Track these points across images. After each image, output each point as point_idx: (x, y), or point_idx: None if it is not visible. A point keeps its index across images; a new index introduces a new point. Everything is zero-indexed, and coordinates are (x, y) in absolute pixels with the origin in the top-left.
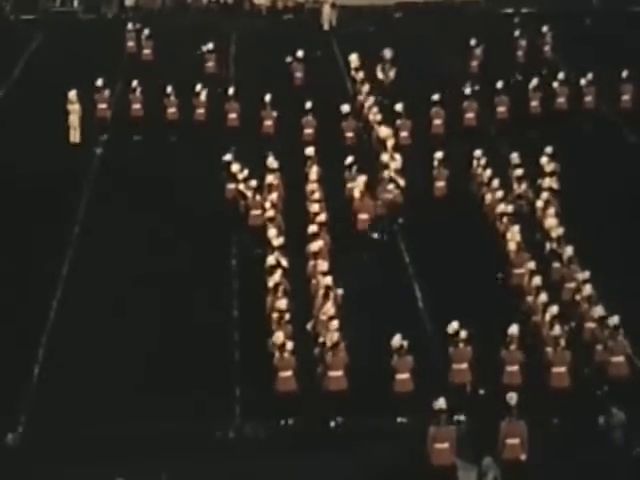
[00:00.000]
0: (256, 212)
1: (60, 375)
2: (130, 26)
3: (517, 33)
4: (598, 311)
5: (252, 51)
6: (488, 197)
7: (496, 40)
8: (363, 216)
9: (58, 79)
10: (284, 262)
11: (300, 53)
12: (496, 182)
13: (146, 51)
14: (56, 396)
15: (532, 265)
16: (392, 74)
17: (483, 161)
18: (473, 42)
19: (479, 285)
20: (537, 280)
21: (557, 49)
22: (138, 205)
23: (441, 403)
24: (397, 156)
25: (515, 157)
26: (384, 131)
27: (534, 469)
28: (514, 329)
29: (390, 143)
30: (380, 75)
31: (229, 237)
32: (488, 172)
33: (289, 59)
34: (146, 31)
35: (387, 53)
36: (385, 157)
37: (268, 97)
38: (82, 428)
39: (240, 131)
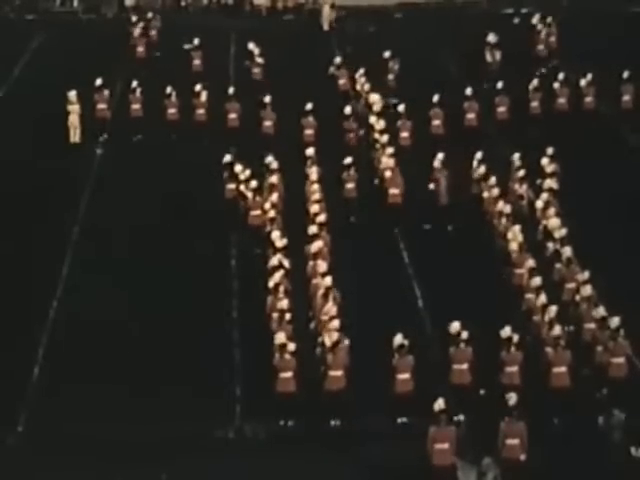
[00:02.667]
0: (256, 212)
1: (60, 375)
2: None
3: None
4: (599, 312)
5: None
6: (486, 195)
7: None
8: (394, 191)
9: (58, 79)
10: (286, 263)
11: (196, 41)
12: (494, 179)
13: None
14: (56, 396)
15: (531, 263)
16: (498, 57)
17: (483, 162)
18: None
19: (479, 285)
20: (537, 280)
21: (557, 48)
22: (138, 205)
23: (440, 404)
24: (382, 120)
25: (515, 158)
26: (372, 97)
27: (534, 469)
28: (507, 331)
29: (377, 107)
30: (488, 58)
31: (229, 237)
32: (488, 173)
33: (187, 46)
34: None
35: (492, 37)
36: (372, 119)
37: (268, 98)
38: (82, 428)
39: (240, 131)
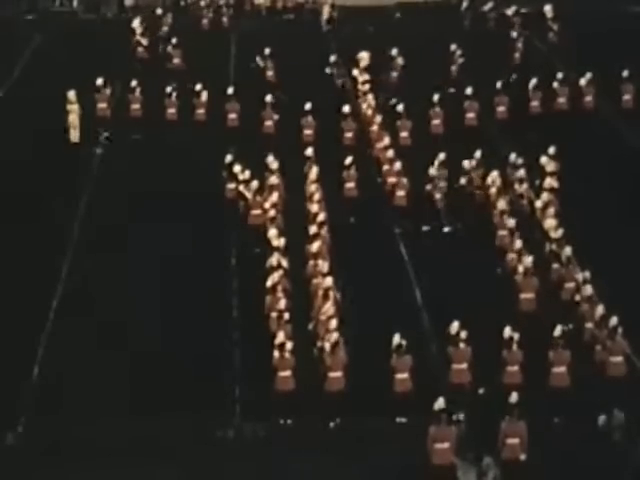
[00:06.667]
0: (257, 212)
1: (60, 375)
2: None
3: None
4: (598, 311)
5: (252, 51)
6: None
7: (496, 40)
8: (400, 193)
9: (58, 79)
10: (284, 263)
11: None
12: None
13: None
14: (56, 396)
15: (519, 244)
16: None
17: (482, 161)
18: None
19: (479, 284)
20: (528, 260)
21: (557, 49)
22: (137, 204)
23: (440, 403)
24: (365, 74)
25: (515, 157)
26: (360, 55)
27: (534, 469)
28: (508, 331)
29: (363, 64)
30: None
31: (229, 237)
32: (487, 172)
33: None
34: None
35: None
36: (355, 72)
37: (268, 98)
38: (82, 428)
39: (240, 131)
